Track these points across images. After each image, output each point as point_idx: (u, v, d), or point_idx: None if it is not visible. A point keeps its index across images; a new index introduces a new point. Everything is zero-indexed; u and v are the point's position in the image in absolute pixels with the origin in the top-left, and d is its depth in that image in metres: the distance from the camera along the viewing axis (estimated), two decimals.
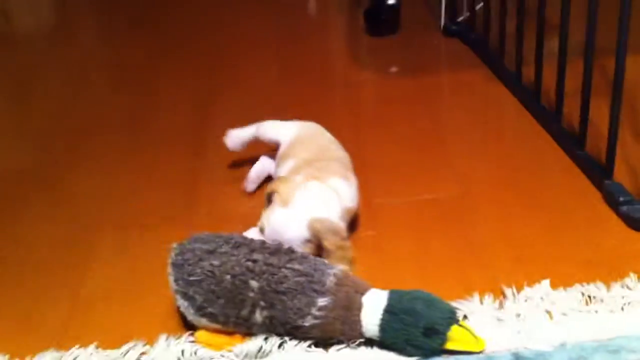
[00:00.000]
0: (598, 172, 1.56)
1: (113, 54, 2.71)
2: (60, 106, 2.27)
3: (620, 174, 1.55)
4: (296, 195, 1.34)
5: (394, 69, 2.50)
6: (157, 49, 2.66)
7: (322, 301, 1.15)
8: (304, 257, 1.22)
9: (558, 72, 1.72)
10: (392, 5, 2.59)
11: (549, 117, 1.83)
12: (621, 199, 1.47)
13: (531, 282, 1.28)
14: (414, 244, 1.45)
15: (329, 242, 1.30)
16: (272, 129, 1.67)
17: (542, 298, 1.24)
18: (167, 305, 1.29)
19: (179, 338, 1.22)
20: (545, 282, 1.27)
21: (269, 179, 1.63)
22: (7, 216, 1.66)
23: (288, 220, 1.33)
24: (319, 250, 1.32)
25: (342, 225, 1.37)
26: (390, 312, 1.14)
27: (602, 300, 1.23)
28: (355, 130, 1.94)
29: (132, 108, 2.20)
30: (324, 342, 1.19)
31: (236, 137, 1.73)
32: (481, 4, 2.34)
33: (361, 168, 1.59)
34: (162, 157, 1.86)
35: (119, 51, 2.71)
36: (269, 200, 1.39)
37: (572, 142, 1.69)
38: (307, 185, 1.38)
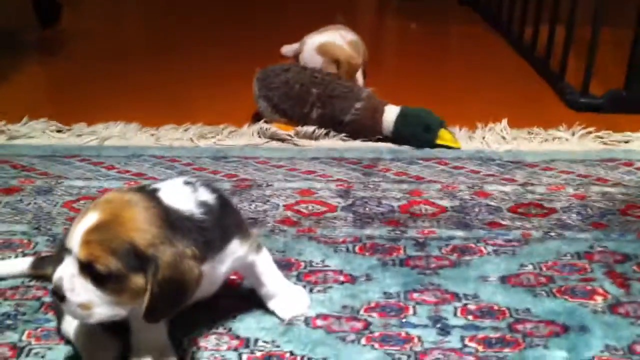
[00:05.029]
0: (555, 77, 2.20)
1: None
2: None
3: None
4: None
5: (413, 25, 3.14)
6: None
7: (358, 104, 1.79)
8: (347, 81, 1.85)
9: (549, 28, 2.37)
10: None
11: (527, 51, 2.48)
12: (567, 90, 2.10)
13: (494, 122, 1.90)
14: (414, 94, 2.08)
15: (339, 55, 1.96)
16: None
17: (501, 130, 1.86)
18: (249, 110, 1.92)
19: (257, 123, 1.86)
20: (504, 121, 1.89)
21: None
22: None
23: (307, 53, 2.02)
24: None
25: (347, 47, 2.01)
26: (401, 115, 1.77)
27: (540, 135, 1.85)
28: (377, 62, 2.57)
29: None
30: (355, 135, 1.81)
31: (287, 49, 2.45)
32: None
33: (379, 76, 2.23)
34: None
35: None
36: None
37: (542, 64, 2.33)
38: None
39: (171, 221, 0.94)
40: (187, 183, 1.03)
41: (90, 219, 0.91)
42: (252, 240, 1.08)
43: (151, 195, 0.96)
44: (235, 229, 1.05)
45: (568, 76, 2.18)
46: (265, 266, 1.11)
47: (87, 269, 0.90)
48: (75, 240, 0.91)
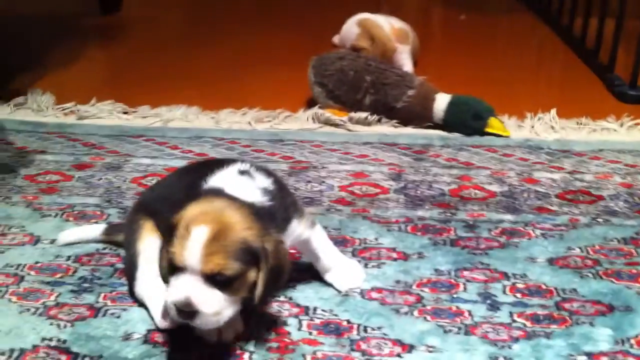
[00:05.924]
0: (604, 69, 2.23)
1: None
2: None
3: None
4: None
5: (463, 16, 3.17)
6: None
7: (410, 92, 1.84)
8: (399, 69, 1.91)
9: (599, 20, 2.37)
10: None
11: (577, 42, 2.50)
12: (616, 82, 2.13)
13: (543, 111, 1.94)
14: (464, 83, 2.13)
15: (375, 33, 2.02)
16: None
17: (550, 119, 1.90)
18: (304, 96, 2.00)
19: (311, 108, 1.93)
20: (553, 111, 1.92)
21: None
22: None
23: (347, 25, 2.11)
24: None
25: (388, 31, 2.08)
26: (452, 103, 1.82)
27: (588, 125, 1.89)
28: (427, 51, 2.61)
29: None
30: (407, 122, 1.87)
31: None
32: None
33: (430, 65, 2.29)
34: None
35: None
36: None
37: (591, 56, 2.35)
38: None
39: (258, 214, 1.01)
40: (242, 172, 1.09)
41: (201, 233, 0.96)
42: (307, 218, 1.15)
43: (228, 195, 1.03)
44: (293, 209, 1.12)
45: (617, 68, 2.20)
46: (320, 241, 1.18)
47: (211, 279, 0.96)
48: (194, 257, 0.95)
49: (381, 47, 2.07)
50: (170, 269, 0.99)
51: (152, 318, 1.12)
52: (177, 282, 0.97)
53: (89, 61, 2.40)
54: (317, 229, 1.18)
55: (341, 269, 1.21)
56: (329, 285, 1.21)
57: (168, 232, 1.00)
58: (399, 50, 2.13)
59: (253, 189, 1.07)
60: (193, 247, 0.95)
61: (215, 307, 0.97)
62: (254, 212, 1.01)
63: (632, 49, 2.11)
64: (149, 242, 1.14)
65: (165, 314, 1.08)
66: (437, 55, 2.51)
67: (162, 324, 1.10)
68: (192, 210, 0.99)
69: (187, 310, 0.96)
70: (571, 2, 2.58)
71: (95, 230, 1.32)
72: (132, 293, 1.17)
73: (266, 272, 0.99)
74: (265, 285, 0.99)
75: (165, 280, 1.02)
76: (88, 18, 2.86)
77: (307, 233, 1.15)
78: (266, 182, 1.09)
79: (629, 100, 2.08)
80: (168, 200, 1.12)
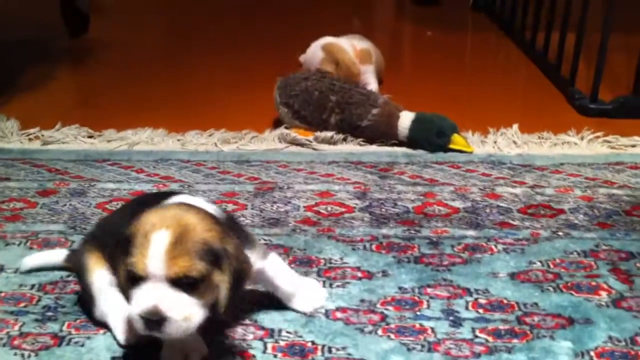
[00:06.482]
0: (565, 83, 2.27)
1: None
2: None
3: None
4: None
5: (429, 33, 3.21)
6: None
7: (374, 110, 1.86)
8: (364, 88, 1.93)
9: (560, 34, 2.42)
10: None
11: (539, 57, 2.54)
12: (577, 96, 2.17)
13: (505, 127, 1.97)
14: (429, 100, 2.16)
15: (340, 57, 2.04)
16: None
17: (512, 134, 1.93)
18: (270, 117, 2.01)
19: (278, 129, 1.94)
20: (515, 126, 1.95)
21: None
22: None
23: (312, 49, 2.12)
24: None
25: (352, 54, 2.11)
26: (416, 120, 1.84)
27: (550, 139, 1.92)
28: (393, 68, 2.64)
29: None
30: (372, 140, 1.89)
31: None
32: None
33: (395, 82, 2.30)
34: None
35: None
36: None
37: (553, 70, 2.40)
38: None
39: (218, 221, 1.02)
40: (195, 197, 1.11)
41: (162, 238, 0.94)
42: (259, 248, 1.15)
43: (184, 203, 1.03)
44: (245, 239, 1.11)
45: (578, 82, 2.24)
46: (275, 270, 1.17)
47: (177, 283, 0.94)
48: (158, 263, 0.93)
49: (345, 70, 2.09)
50: (130, 282, 0.96)
51: (114, 338, 1.12)
52: (140, 292, 0.95)
53: (56, 85, 2.40)
54: (270, 258, 1.17)
55: (302, 292, 1.21)
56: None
57: (123, 246, 0.97)
58: (362, 71, 2.15)
59: (209, 206, 1.08)
60: (155, 253, 0.94)
61: (184, 312, 0.95)
62: (213, 218, 1.02)
63: (592, 62, 2.15)
64: (98, 274, 1.14)
65: (129, 329, 1.07)
66: (404, 72, 2.55)
67: (125, 339, 1.09)
68: (149, 218, 0.97)
69: (155, 319, 0.94)
70: (534, 16, 2.63)
71: (58, 255, 1.32)
72: (92, 318, 1.17)
73: (229, 274, 0.97)
74: (229, 289, 0.98)
75: (127, 297, 0.99)
76: (55, 42, 2.85)
77: (259, 263, 1.14)
78: (218, 210, 1.10)
79: (589, 114, 2.12)
80: (118, 231, 1.10)
